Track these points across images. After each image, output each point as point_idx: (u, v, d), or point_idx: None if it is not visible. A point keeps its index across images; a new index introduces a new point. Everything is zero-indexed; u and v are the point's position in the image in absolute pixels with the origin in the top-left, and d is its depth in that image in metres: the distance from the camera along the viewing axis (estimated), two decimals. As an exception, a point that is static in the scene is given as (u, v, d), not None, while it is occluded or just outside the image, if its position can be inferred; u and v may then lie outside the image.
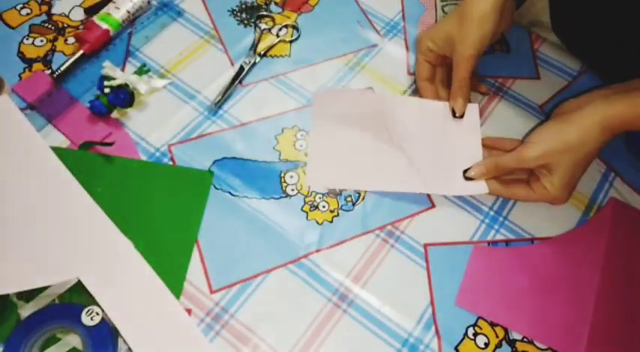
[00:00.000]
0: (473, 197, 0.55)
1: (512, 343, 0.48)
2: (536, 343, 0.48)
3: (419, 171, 0.54)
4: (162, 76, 0.59)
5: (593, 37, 0.60)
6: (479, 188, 0.53)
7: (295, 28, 0.65)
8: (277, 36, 0.64)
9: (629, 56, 0.57)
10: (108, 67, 0.55)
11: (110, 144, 0.53)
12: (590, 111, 0.49)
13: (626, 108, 0.48)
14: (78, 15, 0.63)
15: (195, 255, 0.49)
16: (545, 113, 0.61)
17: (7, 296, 0.45)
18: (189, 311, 0.47)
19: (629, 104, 0.48)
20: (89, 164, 0.52)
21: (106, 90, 0.55)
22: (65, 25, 0.62)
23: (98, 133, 0.55)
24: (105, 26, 0.59)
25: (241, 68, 0.60)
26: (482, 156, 0.55)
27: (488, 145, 0.56)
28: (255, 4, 0.66)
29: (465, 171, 0.54)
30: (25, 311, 0.44)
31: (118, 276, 0.46)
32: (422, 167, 0.54)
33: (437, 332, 0.48)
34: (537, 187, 0.52)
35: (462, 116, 0.56)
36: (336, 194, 0.54)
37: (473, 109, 0.57)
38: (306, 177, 0.54)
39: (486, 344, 0.48)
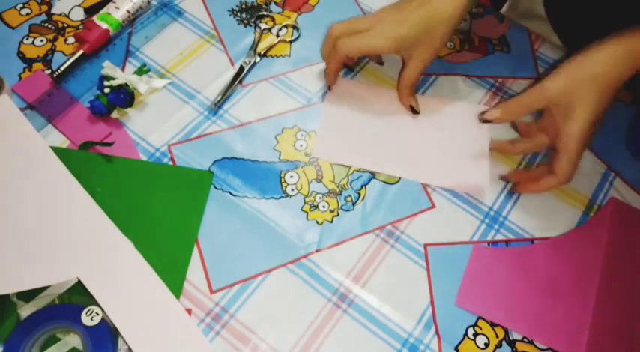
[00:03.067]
0: (473, 197, 0.55)
1: (512, 343, 0.48)
2: (536, 343, 0.48)
3: (422, 160, 0.55)
4: (162, 76, 0.59)
5: (587, 24, 0.59)
6: (478, 189, 0.54)
7: (295, 28, 0.65)
8: (277, 36, 0.64)
9: None
10: (108, 67, 0.55)
11: (110, 144, 0.53)
12: (615, 37, 0.46)
13: None
14: (78, 15, 0.63)
15: (195, 255, 0.49)
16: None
17: (7, 296, 0.45)
18: (189, 311, 0.47)
19: None
20: (89, 164, 0.52)
21: (106, 90, 0.55)
22: (65, 25, 0.62)
23: (98, 133, 0.55)
24: (105, 26, 0.59)
25: (241, 68, 0.60)
26: (489, 157, 0.56)
27: (502, 148, 0.57)
28: (255, 4, 0.66)
29: (481, 114, 0.52)
30: (25, 311, 0.44)
31: (118, 276, 0.46)
32: (425, 158, 0.56)
33: (437, 332, 0.48)
34: (557, 161, 0.49)
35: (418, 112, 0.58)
36: (337, 194, 0.54)
37: (472, 107, 0.58)
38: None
39: (486, 344, 0.48)
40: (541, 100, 0.49)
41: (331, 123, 0.57)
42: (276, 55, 0.62)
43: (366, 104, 0.59)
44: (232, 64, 0.61)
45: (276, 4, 0.66)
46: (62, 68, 0.57)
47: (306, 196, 0.53)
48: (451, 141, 0.57)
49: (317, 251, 0.50)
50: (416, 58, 0.54)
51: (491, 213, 0.54)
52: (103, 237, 0.48)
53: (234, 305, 0.47)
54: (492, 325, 0.49)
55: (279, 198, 0.53)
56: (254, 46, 0.62)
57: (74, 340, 0.44)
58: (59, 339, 0.44)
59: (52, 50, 0.60)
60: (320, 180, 0.54)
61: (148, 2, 0.63)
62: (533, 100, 0.49)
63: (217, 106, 0.58)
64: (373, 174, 0.55)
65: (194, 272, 0.49)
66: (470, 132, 0.58)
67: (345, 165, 0.55)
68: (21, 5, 0.63)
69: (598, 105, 0.46)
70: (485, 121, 0.50)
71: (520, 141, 0.56)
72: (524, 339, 0.48)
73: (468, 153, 0.57)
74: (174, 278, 0.47)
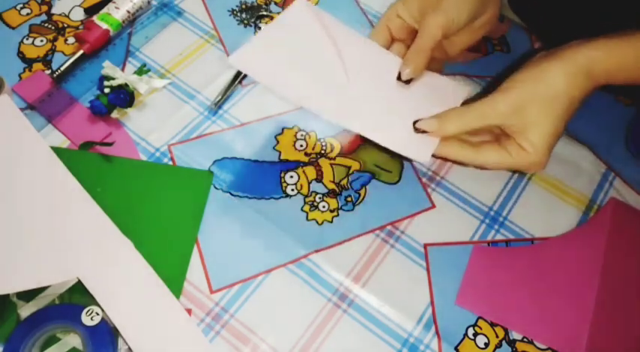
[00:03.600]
0: (473, 197, 0.55)
1: (512, 343, 0.48)
2: (536, 343, 0.48)
3: (366, 111, 0.47)
4: (162, 76, 0.59)
5: (549, 13, 0.58)
6: (420, 154, 0.44)
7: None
8: (277, 36, 0.64)
9: (585, 29, 0.54)
10: (108, 67, 0.55)
11: (110, 144, 0.53)
12: (572, 55, 0.42)
13: (613, 53, 0.42)
14: (78, 15, 0.63)
15: (195, 255, 0.49)
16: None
17: (7, 296, 0.45)
18: (189, 311, 0.47)
19: (617, 49, 0.42)
20: (89, 164, 0.52)
21: (106, 90, 0.55)
22: (65, 25, 0.62)
23: (98, 133, 0.55)
24: (105, 26, 0.59)
25: (241, 68, 0.60)
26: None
27: None
28: (255, 4, 0.66)
29: (415, 122, 0.45)
30: (25, 311, 0.44)
31: (118, 276, 0.46)
32: (369, 109, 0.47)
33: (437, 332, 0.48)
34: (513, 148, 0.43)
35: (407, 82, 0.48)
36: (336, 194, 0.54)
37: (461, 92, 0.51)
38: (235, 51, 0.45)
39: (486, 344, 0.48)
40: (488, 118, 0.43)
41: (270, 37, 0.48)
42: (276, 55, 0.62)
43: (325, 36, 0.49)
44: (232, 64, 0.61)
45: (276, 4, 0.66)
46: (62, 68, 0.57)
47: (306, 196, 0.53)
48: (410, 106, 0.48)
49: (317, 251, 0.50)
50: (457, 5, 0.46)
51: (491, 213, 0.54)
52: (103, 237, 0.48)
53: (234, 305, 0.47)
54: (492, 325, 0.49)
55: (279, 198, 0.53)
56: (254, 46, 0.62)
57: (74, 340, 0.44)
58: (59, 339, 0.44)
59: (52, 50, 0.60)
60: (320, 180, 0.54)
61: (148, 2, 0.63)
62: (478, 117, 0.43)
63: (217, 106, 0.58)
64: (373, 174, 0.55)
65: (194, 272, 0.49)
66: (435, 107, 0.48)
67: (265, 86, 0.49)
68: (21, 5, 0.63)
69: (558, 125, 0.43)
70: (418, 131, 0.44)
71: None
72: (524, 339, 0.48)
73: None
74: (174, 278, 0.47)
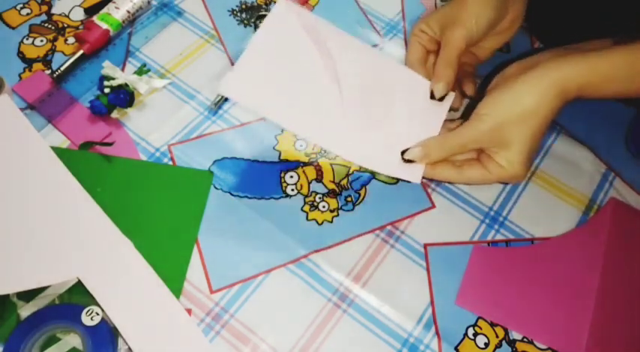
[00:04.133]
0: (473, 197, 0.55)
1: (512, 343, 0.48)
2: (536, 343, 0.48)
3: (354, 132, 0.48)
4: (162, 76, 0.59)
5: (548, 14, 0.59)
6: (412, 175, 0.47)
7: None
8: (277, 36, 0.64)
9: (580, 27, 0.54)
10: (108, 67, 0.55)
11: (110, 144, 0.53)
12: (542, 72, 0.44)
13: (583, 69, 0.43)
14: (78, 15, 0.63)
15: (195, 255, 0.49)
16: (481, 77, 0.58)
17: (7, 296, 0.45)
18: (189, 311, 0.47)
19: (586, 65, 0.43)
20: (89, 164, 0.52)
21: (106, 90, 0.55)
22: (65, 25, 0.62)
23: (98, 133, 0.55)
24: (105, 26, 0.59)
25: (241, 68, 0.60)
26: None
27: None
28: (255, 4, 0.66)
29: (403, 152, 0.47)
30: (25, 311, 0.44)
31: (118, 276, 0.46)
32: (359, 129, 0.49)
33: (437, 332, 0.48)
34: (493, 166, 0.46)
35: (441, 99, 0.50)
36: (336, 194, 0.54)
37: (447, 96, 0.51)
38: (223, 79, 0.46)
39: (486, 344, 0.48)
40: (468, 143, 0.46)
41: (256, 58, 0.48)
42: (276, 55, 0.62)
43: (310, 45, 0.49)
44: (232, 64, 0.61)
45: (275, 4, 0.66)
46: (62, 68, 0.57)
47: (306, 196, 0.53)
48: (399, 120, 0.50)
49: (317, 251, 0.50)
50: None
51: (491, 213, 0.54)
52: (103, 237, 0.48)
53: (234, 305, 0.47)
54: (492, 325, 0.49)
55: (279, 198, 0.53)
56: (254, 46, 0.62)
57: (74, 340, 0.44)
58: (59, 339, 0.44)
59: (52, 50, 0.60)
60: (320, 180, 0.54)
61: (148, 2, 0.63)
62: (460, 143, 0.46)
63: (217, 106, 0.58)
64: (373, 174, 0.55)
65: (194, 272, 0.49)
66: (423, 116, 0.50)
67: (255, 112, 0.50)
68: (21, 5, 0.63)
69: (533, 142, 0.45)
70: (406, 161, 0.47)
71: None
72: (524, 339, 0.48)
73: (414, 137, 0.49)
74: (174, 278, 0.47)
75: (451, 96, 0.52)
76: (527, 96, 0.43)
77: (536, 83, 0.44)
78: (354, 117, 0.49)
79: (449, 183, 0.53)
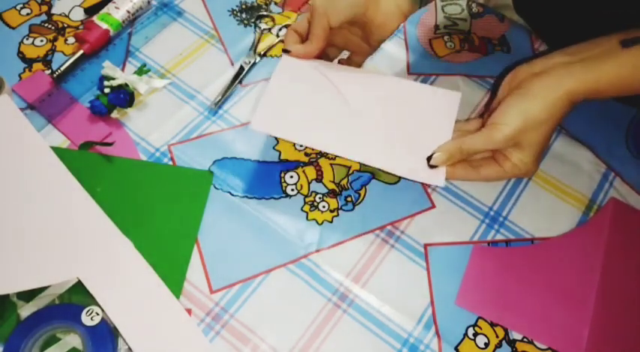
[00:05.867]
0: (473, 197, 0.55)
1: (512, 343, 0.48)
2: (536, 343, 0.48)
3: (377, 143, 0.51)
4: (162, 76, 0.59)
5: (554, 15, 0.59)
6: (435, 178, 0.50)
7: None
8: (277, 36, 0.64)
9: (589, 32, 0.56)
10: (108, 67, 0.55)
11: (110, 144, 0.53)
12: (554, 83, 0.47)
13: (592, 78, 0.46)
14: (78, 15, 0.63)
15: (195, 255, 0.49)
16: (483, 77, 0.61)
17: (7, 296, 0.45)
18: (189, 311, 0.47)
19: (594, 73, 0.46)
20: (89, 164, 0.52)
21: (106, 90, 0.55)
22: (65, 25, 0.62)
23: (98, 133, 0.55)
24: (105, 26, 0.59)
25: (241, 68, 0.60)
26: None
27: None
28: (255, 4, 0.66)
29: (428, 159, 0.50)
30: (25, 311, 0.44)
31: (118, 276, 0.46)
32: (381, 140, 0.51)
33: (437, 332, 0.48)
34: (507, 165, 0.50)
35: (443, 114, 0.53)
36: (336, 194, 0.54)
37: (454, 97, 0.54)
38: (253, 116, 0.50)
39: (486, 344, 0.48)
40: (487, 148, 0.49)
41: (279, 93, 0.52)
42: (276, 55, 0.62)
43: (321, 79, 0.54)
44: (232, 64, 0.61)
45: (276, 4, 0.66)
46: (62, 68, 0.57)
47: (306, 196, 0.53)
48: (412, 125, 0.52)
49: (317, 251, 0.50)
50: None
51: (491, 213, 0.54)
52: (103, 237, 0.48)
53: (234, 305, 0.47)
54: (492, 325, 0.49)
55: (279, 198, 0.53)
56: (254, 46, 0.62)
57: (74, 340, 0.44)
58: (59, 339, 0.44)
59: (52, 50, 0.60)
60: (320, 180, 0.54)
61: (148, 2, 0.63)
62: (479, 149, 0.49)
63: (217, 106, 0.58)
64: (373, 174, 0.55)
65: (194, 272, 0.49)
66: (434, 119, 0.53)
67: (288, 141, 0.53)
68: (21, 5, 0.63)
69: (544, 144, 0.49)
70: (432, 167, 0.50)
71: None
72: (524, 339, 0.48)
73: (429, 141, 0.51)
74: (174, 278, 0.47)
75: (456, 96, 0.54)
76: (540, 107, 0.47)
77: (549, 95, 0.47)
78: (376, 130, 0.52)
79: (465, 180, 0.54)
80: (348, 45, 0.57)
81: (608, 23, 0.49)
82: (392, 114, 0.53)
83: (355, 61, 0.58)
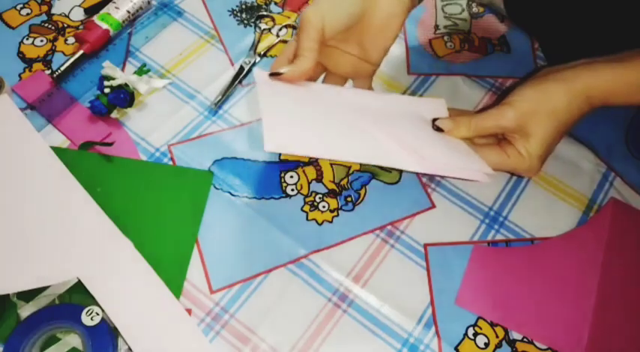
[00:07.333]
0: (473, 197, 0.55)
1: (512, 343, 0.48)
2: (536, 343, 0.48)
3: (405, 146, 0.48)
4: (162, 76, 0.59)
5: (543, 14, 0.59)
6: (478, 174, 0.48)
7: (295, 28, 0.65)
8: (277, 36, 0.64)
9: (580, 34, 0.55)
10: (108, 67, 0.55)
11: (110, 144, 0.53)
12: (575, 76, 0.46)
13: (611, 79, 0.45)
14: (78, 15, 0.63)
15: (195, 255, 0.49)
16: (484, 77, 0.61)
17: (7, 296, 0.45)
18: (189, 311, 0.47)
19: (613, 75, 0.45)
20: (89, 164, 0.52)
21: (106, 90, 0.55)
22: (65, 25, 0.62)
23: (98, 133, 0.55)
24: (105, 26, 0.59)
25: (241, 68, 0.60)
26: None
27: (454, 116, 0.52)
28: (255, 4, 0.66)
29: (434, 120, 0.49)
30: (25, 311, 0.44)
31: (118, 276, 0.46)
32: (408, 143, 0.48)
33: (437, 332, 0.48)
34: (512, 152, 0.47)
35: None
36: (336, 194, 0.54)
37: (440, 105, 0.53)
38: (264, 138, 0.43)
39: (486, 344, 0.48)
40: (496, 126, 0.48)
41: (276, 109, 0.46)
42: (276, 55, 0.62)
43: (302, 86, 0.49)
44: (232, 64, 0.61)
45: (276, 4, 0.66)
46: (62, 68, 0.57)
47: (305, 196, 0.53)
48: (412, 127, 0.50)
49: (317, 251, 0.50)
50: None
51: (492, 213, 0.54)
52: (103, 237, 0.48)
53: (234, 305, 0.47)
54: (492, 325, 0.49)
55: (279, 198, 0.53)
56: (254, 46, 0.62)
57: (74, 340, 0.44)
58: (59, 339, 0.44)
59: (52, 50, 0.60)
60: (320, 180, 0.54)
61: (148, 2, 0.63)
62: (488, 125, 0.48)
63: (217, 106, 0.58)
64: (373, 174, 0.55)
65: (194, 272, 0.49)
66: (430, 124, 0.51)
67: (311, 157, 0.53)
68: (21, 5, 0.63)
69: (555, 139, 0.47)
70: (438, 129, 0.48)
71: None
72: (524, 339, 0.48)
73: (446, 140, 0.49)
74: (174, 278, 0.47)
75: (442, 104, 0.53)
76: (558, 94, 0.45)
77: (569, 84, 0.45)
78: (386, 133, 0.48)
79: None
80: (347, 67, 0.51)
81: (601, 30, 0.50)
82: (389, 120, 0.50)
83: (360, 87, 0.54)
